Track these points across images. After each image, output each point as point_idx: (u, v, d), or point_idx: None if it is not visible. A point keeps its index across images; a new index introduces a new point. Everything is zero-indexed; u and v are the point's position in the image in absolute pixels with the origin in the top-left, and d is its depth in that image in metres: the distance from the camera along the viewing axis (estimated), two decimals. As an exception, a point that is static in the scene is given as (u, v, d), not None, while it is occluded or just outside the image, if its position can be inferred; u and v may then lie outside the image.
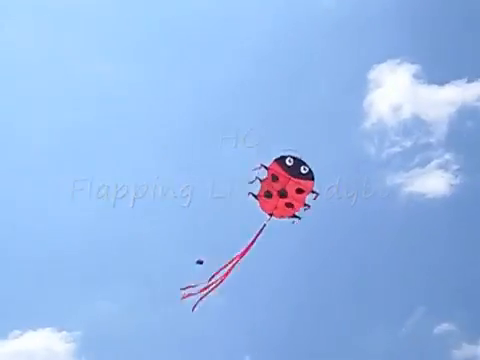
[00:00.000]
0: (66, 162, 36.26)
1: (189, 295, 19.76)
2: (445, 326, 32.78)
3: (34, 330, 32.32)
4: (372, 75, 39.13)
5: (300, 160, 20.00)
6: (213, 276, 19.83)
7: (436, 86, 38.90)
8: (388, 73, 39.29)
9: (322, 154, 36.63)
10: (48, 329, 32.42)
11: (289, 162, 19.94)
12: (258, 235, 20.05)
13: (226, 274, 19.95)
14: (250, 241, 20.05)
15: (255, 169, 19.81)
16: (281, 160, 19.99)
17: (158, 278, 32.94)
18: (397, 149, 37.51)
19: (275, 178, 19.99)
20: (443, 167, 36.96)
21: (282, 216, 20.18)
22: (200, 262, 19.81)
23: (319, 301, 33.67)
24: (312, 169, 19.93)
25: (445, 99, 38.42)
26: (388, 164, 37.30)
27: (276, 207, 20.10)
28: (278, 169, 19.97)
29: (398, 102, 38.78)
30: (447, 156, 37.17)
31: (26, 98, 38.11)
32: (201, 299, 19.70)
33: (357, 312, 33.34)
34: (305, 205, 19.99)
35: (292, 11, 41.01)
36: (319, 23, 40.57)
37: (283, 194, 20.08)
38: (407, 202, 36.15)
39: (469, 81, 38.63)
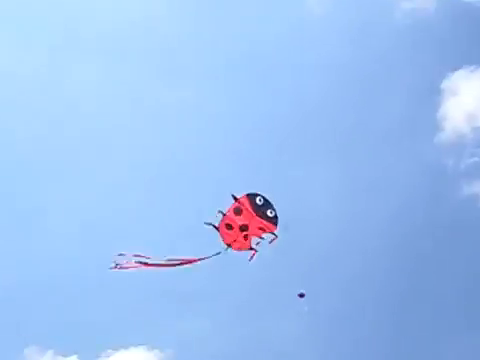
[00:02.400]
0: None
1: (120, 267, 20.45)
2: None
3: (126, 349, 32.86)
4: (445, 84, 39.08)
5: (269, 202, 20.32)
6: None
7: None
8: (463, 81, 39.16)
9: (397, 167, 37.01)
10: (140, 347, 32.95)
11: (259, 201, 20.24)
12: (206, 258, 20.36)
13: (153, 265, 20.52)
14: (196, 258, 20.47)
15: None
16: (252, 197, 20.29)
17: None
18: (475, 159, 37.35)
19: (238, 211, 20.23)
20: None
21: (240, 249, 20.50)
22: (302, 295, 20.42)
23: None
24: (277, 214, 20.27)
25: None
26: (466, 175, 37.20)
27: (235, 240, 20.36)
28: (246, 204, 20.21)
29: (474, 110, 38.56)
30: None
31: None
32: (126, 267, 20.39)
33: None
34: (260, 237, 20.28)
35: (364, 21, 41.15)
36: (391, 33, 40.63)
37: (244, 229, 20.30)
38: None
39: None
